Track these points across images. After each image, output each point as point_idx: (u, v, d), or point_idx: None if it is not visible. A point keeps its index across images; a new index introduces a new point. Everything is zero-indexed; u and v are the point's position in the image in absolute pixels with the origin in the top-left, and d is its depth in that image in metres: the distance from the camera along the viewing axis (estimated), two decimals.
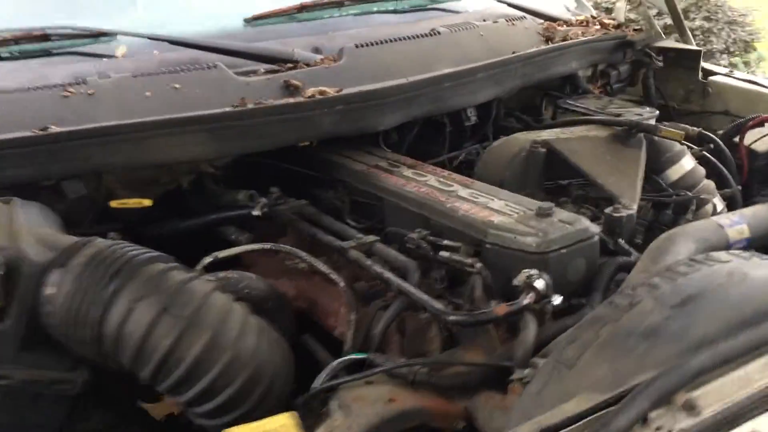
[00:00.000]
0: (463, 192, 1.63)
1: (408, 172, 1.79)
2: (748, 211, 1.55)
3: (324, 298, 1.64)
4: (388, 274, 1.44)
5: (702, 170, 1.94)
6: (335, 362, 1.30)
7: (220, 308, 1.27)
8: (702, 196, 1.78)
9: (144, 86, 1.75)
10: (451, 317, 1.29)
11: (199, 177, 1.86)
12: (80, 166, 1.61)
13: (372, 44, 2.05)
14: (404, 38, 2.12)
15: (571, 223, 1.44)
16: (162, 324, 1.21)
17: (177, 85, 1.77)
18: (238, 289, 1.51)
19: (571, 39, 2.33)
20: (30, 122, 1.60)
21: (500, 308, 1.27)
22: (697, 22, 5.01)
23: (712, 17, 4.96)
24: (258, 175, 1.97)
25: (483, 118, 2.20)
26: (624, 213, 1.59)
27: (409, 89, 1.91)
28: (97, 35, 1.93)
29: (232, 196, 1.85)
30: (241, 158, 1.89)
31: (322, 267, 1.59)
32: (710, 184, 1.93)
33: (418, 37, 2.15)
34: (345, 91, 1.85)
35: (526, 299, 1.29)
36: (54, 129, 1.59)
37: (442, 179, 1.72)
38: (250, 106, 1.75)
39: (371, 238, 1.60)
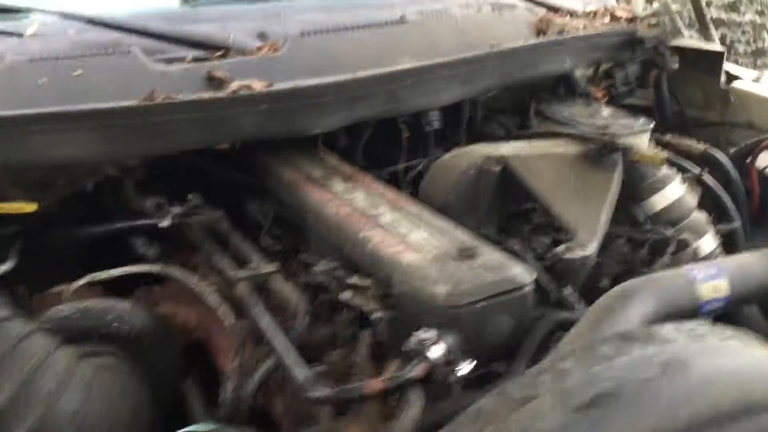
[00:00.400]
0: (388, 217, 1.36)
1: (339, 186, 1.52)
2: (732, 262, 1.24)
3: (217, 333, 1.40)
4: (265, 322, 1.19)
5: (692, 201, 1.61)
6: None
7: (33, 355, 1.04)
8: (682, 236, 1.46)
9: (40, 72, 1.52)
10: (311, 393, 1.03)
11: (107, 180, 1.63)
12: None
13: (323, 32, 1.78)
14: (363, 26, 1.84)
15: (496, 269, 1.16)
16: None
17: (78, 72, 1.54)
18: (103, 323, 1.28)
19: (568, 33, 2.01)
20: None
21: (373, 384, 1.00)
22: (748, 17, 4.53)
23: (766, 11, 4.47)
24: (185, 178, 1.73)
25: (453, 123, 1.91)
26: (577, 254, 1.30)
27: (352, 87, 1.63)
28: (6, 10, 1.71)
29: (140, 203, 1.61)
30: (161, 158, 1.66)
31: (210, 297, 1.35)
32: (701, 218, 1.61)
33: (381, 25, 1.87)
34: (274, 87, 1.59)
35: (414, 371, 1.02)
36: None
37: (372, 198, 1.45)
38: (157, 100, 1.51)
39: (268, 268, 1.34)
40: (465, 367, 1.08)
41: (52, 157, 1.43)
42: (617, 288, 1.16)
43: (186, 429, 1.05)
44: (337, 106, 1.63)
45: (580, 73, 2.16)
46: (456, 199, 1.50)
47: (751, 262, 1.23)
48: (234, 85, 1.58)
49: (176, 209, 1.59)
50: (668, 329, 0.96)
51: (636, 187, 1.54)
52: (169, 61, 1.65)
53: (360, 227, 1.32)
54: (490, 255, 1.19)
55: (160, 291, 1.52)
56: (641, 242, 1.45)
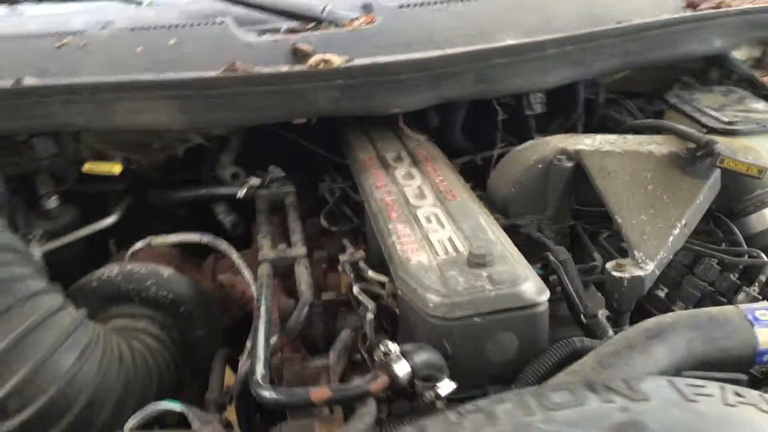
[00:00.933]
0: (425, 210, 1.26)
1: (402, 171, 1.44)
2: None
3: None
4: (261, 309, 1.15)
5: None
6: (147, 408, 1.06)
7: (58, 330, 1.10)
8: None
9: (138, 41, 1.60)
10: (260, 392, 0.97)
11: (196, 147, 1.69)
12: (44, 123, 1.52)
13: (423, 4, 1.68)
14: None
15: (503, 282, 1.02)
16: None
17: (172, 42, 1.59)
18: (143, 287, 1.34)
19: (724, 7, 1.71)
20: (13, 72, 1.54)
21: (319, 392, 0.93)
22: None
23: None
24: (274, 149, 1.75)
25: (565, 106, 1.72)
26: (628, 273, 1.11)
27: (435, 65, 1.52)
28: None
29: (221, 171, 1.65)
30: (249, 129, 1.69)
31: (246, 273, 1.35)
32: None
33: None
34: (351, 63, 1.53)
35: (371, 384, 0.93)
36: (27, 82, 1.52)
37: (424, 187, 1.35)
38: (238, 72, 1.52)
39: (295, 252, 1.31)
40: (446, 386, 0.97)
41: (129, 122, 1.50)
42: (650, 321, 0.97)
43: (156, 403, 1.06)
44: (419, 85, 1.53)
45: (746, 54, 1.83)
46: (519, 193, 1.35)
47: None
48: (313, 59, 1.54)
49: (253, 180, 1.61)
50: (658, 383, 0.79)
51: (735, 200, 1.28)
52: (262, 32, 1.65)
53: (392, 217, 1.24)
54: (503, 266, 1.05)
55: (225, 260, 1.55)
56: (731, 266, 1.20)
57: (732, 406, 0.78)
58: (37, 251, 1.61)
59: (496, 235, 1.16)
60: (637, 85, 1.85)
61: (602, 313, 1.10)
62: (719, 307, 0.99)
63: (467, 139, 1.76)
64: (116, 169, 1.59)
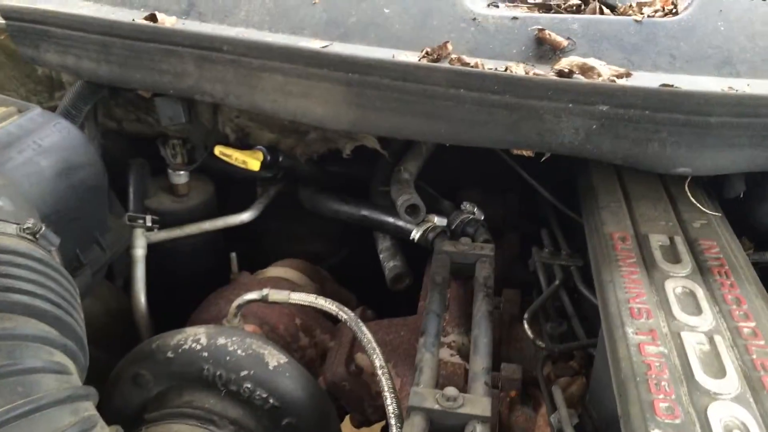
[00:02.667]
0: (724, 408, 0.67)
1: (679, 284, 0.84)
2: None
3: None
4: None
5: None
6: None
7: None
8: None
9: None
10: None
11: (366, 150, 1.18)
12: (170, 83, 1.08)
13: None
14: None
15: None
16: None
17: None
18: (234, 377, 0.88)
19: None
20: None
21: None
22: None
23: None
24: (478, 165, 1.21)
25: None
26: None
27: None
28: None
29: (397, 192, 1.14)
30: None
31: (384, 383, 0.85)
32: None
33: None
34: (630, 82, 0.94)
35: None
36: (159, 19, 1.09)
37: (720, 340, 0.75)
38: (442, 63, 0.99)
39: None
40: None
41: (274, 107, 1.02)
42: None
43: None
44: (737, 138, 0.91)
45: None
46: None
47: None
48: (565, 62, 0.97)
49: (437, 220, 1.09)
50: None
51: None
52: (497, 3, 1.09)
53: (655, 409, 0.67)
54: None
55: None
56: None
57: None
58: (141, 243, 1.21)
59: None
60: None
61: None
62: None
63: None
64: (254, 163, 1.13)
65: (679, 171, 0.95)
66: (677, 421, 0.65)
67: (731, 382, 0.70)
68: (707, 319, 0.79)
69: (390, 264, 1.17)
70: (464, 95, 0.95)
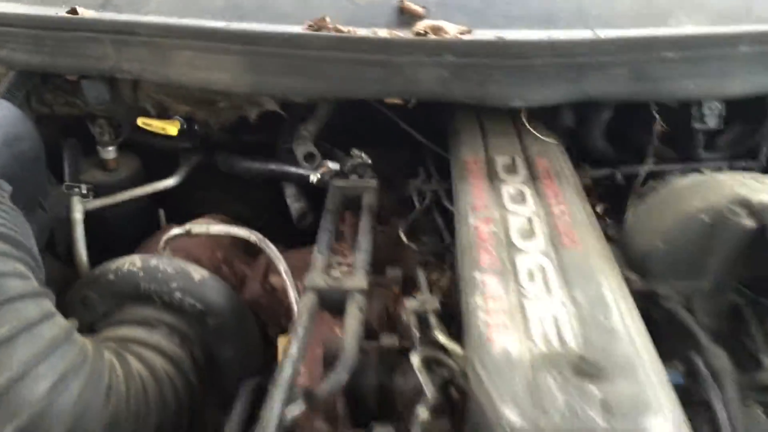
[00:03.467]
0: (532, 259, 0.91)
1: (511, 189, 1.09)
2: None
3: None
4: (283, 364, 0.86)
5: None
6: None
7: (37, 347, 0.85)
8: None
9: None
10: None
11: (270, 114, 1.40)
12: (94, 65, 1.27)
13: None
14: None
15: (622, 413, 0.67)
16: None
17: None
18: (166, 289, 1.08)
19: None
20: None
21: None
22: None
23: None
24: (370, 125, 1.43)
25: (750, 123, 1.30)
26: None
27: (584, 51, 1.15)
28: None
29: (298, 146, 1.36)
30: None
31: (291, 293, 1.06)
32: None
33: None
34: (469, 36, 1.18)
35: None
36: (81, 13, 1.28)
37: (537, 220, 1.00)
38: (323, 31, 1.21)
39: (352, 280, 0.99)
40: None
41: (187, 78, 1.23)
42: None
43: None
44: (555, 76, 1.16)
45: None
46: (668, 251, 0.97)
47: None
48: (421, 25, 1.20)
49: (331, 165, 1.31)
50: None
51: None
52: None
53: (482, 262, 0.90)
54: (627, 383, 0.70)
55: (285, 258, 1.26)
56: None
57: None
58: (78, 208, 1.39)
59: (624, 319, 0.80)
60: None
61: None
62: None
63: (611, 146, 1.38)
64: (172, 129, 1.33)
65: (514, 104, 1.19)
66: (495, 268, 0.89)
67: (539, 244, 0.94)
68: (530, 207, 1.03)
69: (295, 206, 1.39)
70: (341, 56, 1.17)
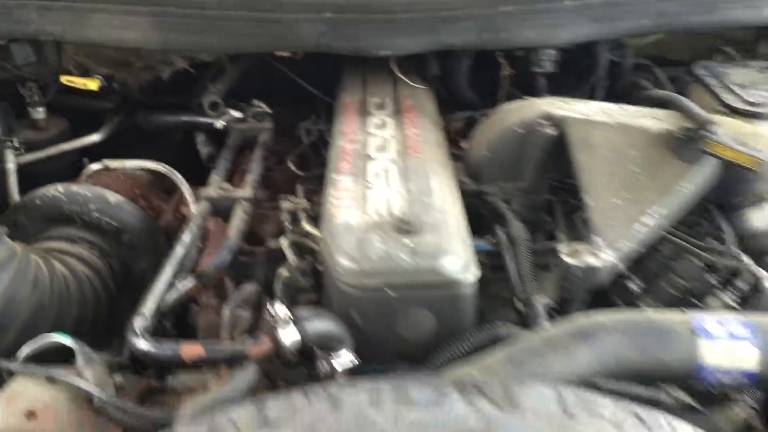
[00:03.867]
0: (381, 164, 1.14)
1: (377, 120, 1.31)
2: None
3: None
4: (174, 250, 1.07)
5: None
6: (38, 339, 0.99)
7: None
8: None
9: None
10: (135, 342, 0.90)
11: (182, 72, 1.60)
12: (21, 30, 1.46)
13: None
14: None
15: (425, 255, 0.90)
16: None
17: None
18: (85, 209, 1.27)
19: None
20: None
21: (189, 349, 0.85)
22: None
23: None
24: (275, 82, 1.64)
25: (585, 67, 1.55)
26: (580, 261, 0.97)
27: (437, 6, 1.38)
28: None
29: (205, 100, 1.56)
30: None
31: (192, 210, 1.27)
32: None
33: None
34: None
35: (251, 348, 0.84)
36: None
37: (392, 139, 1.22)
38: None
39: (232, 193, 1.21)
40: (344, 359, 0.87)
41: (103, 37, 1.42)
42: (584, 318, 0.84)
43: (47, 335, 0.99)
44: (414, 28, 1.39)
45: None
46: (493, 158, 1.21)
47: None
48: None
49: (233, 112, 1.52)
50: (542, 392, 0.67)
51: (730, 192, 1.10)
52: None
53: (341, 168, 1.13)
54: (432, 236, 0.93)
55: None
56: (716, 267, 1.04)
57: (622, 429, 0.65)
58: (11, 158, 1.57)
59: (443, 200, 1.03)
60: (674, 52, 1.65)
61: (542, 301, 0.97)
62: (668, 313, 0.85)
63: (476, 93, 1.61)
64: (93, 84, 1.52)
65: (383, 53, 1.42)
66: (349, 171, 1.11)
67: (389, 155, 1.17)
68: (389, 131, 1.26)
69: (204, 150, 1.60)
70: (238, 15, 1.38)
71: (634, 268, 1.14)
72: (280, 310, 0.85)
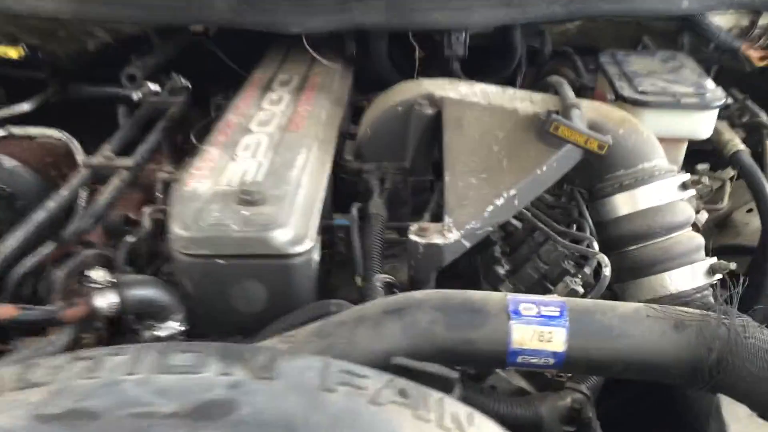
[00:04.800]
0: (255, 137, 1.15)
1: (275, 96, 1.33)
2: (603, 309, 0.83)
3: None
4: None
5: (682, 215, 1.09)
6: None
7: None
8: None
9: None
10: None
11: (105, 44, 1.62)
12: None
13: None
14: None
15: (259, 225, 0.92)
16: None
17: None
18: None
19: None
20: None
21: (4, 310, 0.87)
22: None
23: None
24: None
25: (501, 51, 1.55)
26: (425, 240, 0.98)
27: None
28: None
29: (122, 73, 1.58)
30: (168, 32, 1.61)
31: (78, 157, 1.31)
32: (688, 242, 1.08)
33: None
34: None
35: (63, 311, 0.87)
36: None
37: (279, 114, 1.24)
38: None
39: (115, 161, 1.24)
40: (168, 328, 0.89)
41: (18, 6, 1.44)
42: (402, 295, 0.86)
43: None
44: (324, 6, 1.40)
45: (732, 22, 1.59)
46: (374, 137, 1.22)
47: (627, 315, 0.82)
48: None
49: (150, 85, 1.54)
50: (304, 364, 0.68)
51: (594, 178, 1.09)
52: None
53: (216, 140, 1.14)
54: (271, 208, 0.94)
55: None
56: (571, 252, 1.04)
57: (378, 405, 0.66)
58: None
59: (303, 175, 1.04)
60: (601, 41, 1.64)
61: (381, 278, 0.98)
62: (486, 293, 0.86)
63: (402, 74, 1.62)
64: (13, 53, 1.55)
65: (294, 30, 1.43)
66: (222, 143, 1.13)
67: (269, 129, 1.18)
68: (281, 107, 1.27)
69: (122, 121, 1.63)
70: None
71: (510, 253, 1.15)
72: (97, 274, 0.87)
